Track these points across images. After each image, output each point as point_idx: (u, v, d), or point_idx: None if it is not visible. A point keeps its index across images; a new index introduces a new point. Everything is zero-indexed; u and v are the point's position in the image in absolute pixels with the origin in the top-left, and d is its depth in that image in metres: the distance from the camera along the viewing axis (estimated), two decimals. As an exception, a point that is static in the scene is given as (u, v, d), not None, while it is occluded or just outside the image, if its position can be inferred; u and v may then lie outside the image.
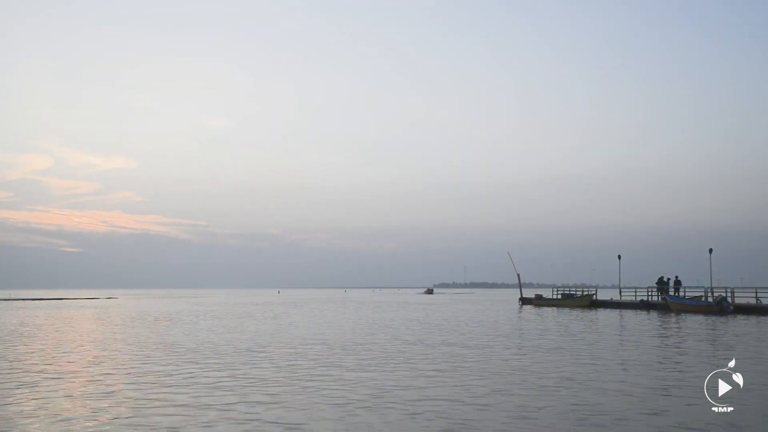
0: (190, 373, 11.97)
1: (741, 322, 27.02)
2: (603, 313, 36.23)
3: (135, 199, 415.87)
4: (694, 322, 27.67)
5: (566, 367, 12.72)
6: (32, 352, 15.95)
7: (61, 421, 7.90)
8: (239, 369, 12.44)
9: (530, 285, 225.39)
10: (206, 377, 11.42)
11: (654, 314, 34.94)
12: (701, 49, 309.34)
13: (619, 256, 48.20)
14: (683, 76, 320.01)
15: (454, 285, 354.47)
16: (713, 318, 30.33)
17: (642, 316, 33.58)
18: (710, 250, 39.50)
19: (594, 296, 47.44)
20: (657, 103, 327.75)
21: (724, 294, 36.09)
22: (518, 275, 55.37)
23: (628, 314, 35.26)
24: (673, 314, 34.52)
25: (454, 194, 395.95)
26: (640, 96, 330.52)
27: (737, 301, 36.15)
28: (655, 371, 12.19)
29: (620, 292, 47.94)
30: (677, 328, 24.50)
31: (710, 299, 36.70)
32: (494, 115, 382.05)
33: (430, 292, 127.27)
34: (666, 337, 20.47)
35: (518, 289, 56.59)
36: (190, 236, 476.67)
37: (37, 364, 13.57)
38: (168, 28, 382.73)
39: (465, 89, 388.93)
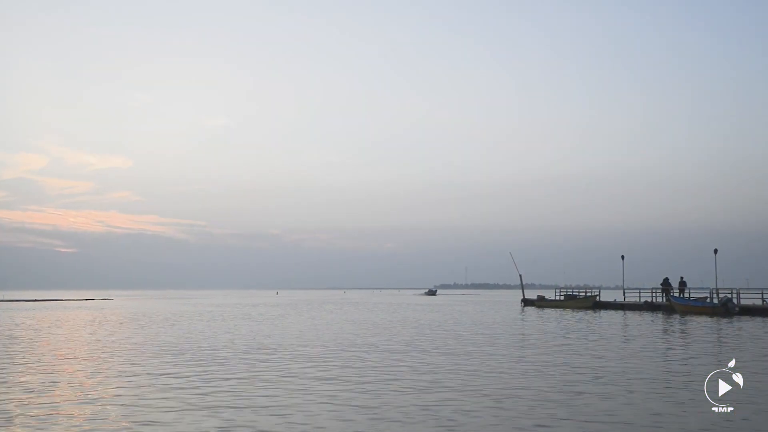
0: (179, 379, 12.00)
1: (746, 324, 27.03)
2: (606, 315, 36.23)
3: (131, 198, 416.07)
4: (698, 323, 27.67)
5: (567, 368, 12.75)
6: (23, 357, 15.98)
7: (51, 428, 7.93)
8: (219, 374, 12.46)
9: (532, 286, 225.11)
10: (189, 383, 11.45)
11: (658, 316, 34.94)
12: (702, 48, 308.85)
13: (623, 257, 48.25)
14: (684, 74, 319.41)
15: (455, 286, 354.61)
16: (718, 319, 30.33)
17: (646, 317, 33.58)
18: (715, 251, 39.53)
19: (597, 297, 47.46)
20: (658, 102, 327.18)
21: (729, 295, 36.12)
22: (520, 276, 55.38)
23: (632, 316, 35.27)
24: (677, 316, 34.53)
25: (455, 194, 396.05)
26: (641, 95, 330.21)
27: (743, 302, 36.17)
28: (655, 371, 12.22)
29: (624, 293, 47.97)
30: (681, 329, 24.52)
31: (715, 300, 36.71)
32: (495, 114, 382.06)
33: (432, 293, 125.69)
34: (669, 338, 20.50)
35: (520, 290, 56.63)
36: (188, 236, 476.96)
37: (26, 370, 13.59)
38: (167, 27, 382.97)
39: (465, 89, 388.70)
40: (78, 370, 12.63)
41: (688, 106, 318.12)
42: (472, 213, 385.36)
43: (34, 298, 79.55)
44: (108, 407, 8.71)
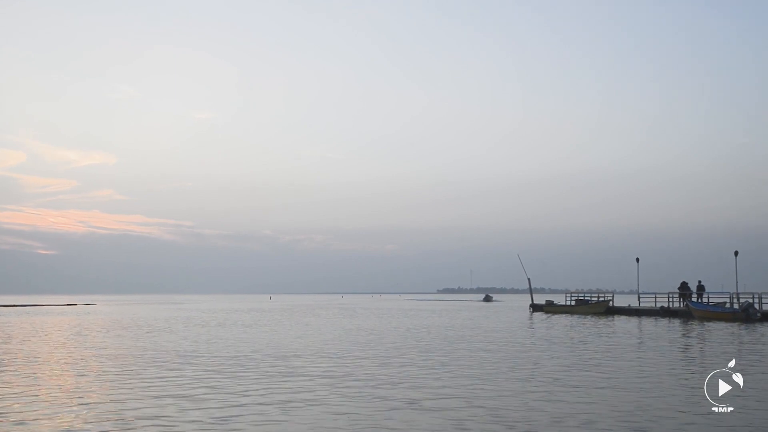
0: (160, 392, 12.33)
1: None
2: (620, 321, 36.49)
3: (115, 197, 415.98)
4: (716, 329, 27.94)
5: (572, 370, 13.13)
6: None
7: None
8: (188, 384, 12.50)
9: (542, 290, 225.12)
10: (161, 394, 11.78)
11: (675, 322, 35.19)
12: (720, 39, 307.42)
13: (638, 259, 48.48)
14: (701, 66, 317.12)
15: (460, 290, 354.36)
16: (738, 326, 30.62)
17: (662, 323, 33.86)
18: (736, 253, 39.74)
19: (610, 302, 47.80)
20: (673, 95, 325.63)
21: (750, 300, 36.40)
22: (528, 280, 55.70)
23: (647, 322, 35.53)
24: (695, 322, 34.81)
25: (458, 193, 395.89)
26: (655, 88, 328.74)
27: (765, 307, 36.47)
28: (657, 372, 12.61)
29: (639, 297, 48.25)
30: (696, 335, 24.83)
31: (736, 306, 37.00)
32: (499, 109, 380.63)
33: (489, 299, 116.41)
34: (679, 342, 20.83)
35: (528, 295, 56.95)
36: (175, 237, 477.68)
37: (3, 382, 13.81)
38: (153, 17, 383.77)
39: (467, 82, 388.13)
40: (59, 387, 12.95)
41: (705, 100, 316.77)
42: (477, 213, 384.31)
43: (11, 303, 79.81)
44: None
